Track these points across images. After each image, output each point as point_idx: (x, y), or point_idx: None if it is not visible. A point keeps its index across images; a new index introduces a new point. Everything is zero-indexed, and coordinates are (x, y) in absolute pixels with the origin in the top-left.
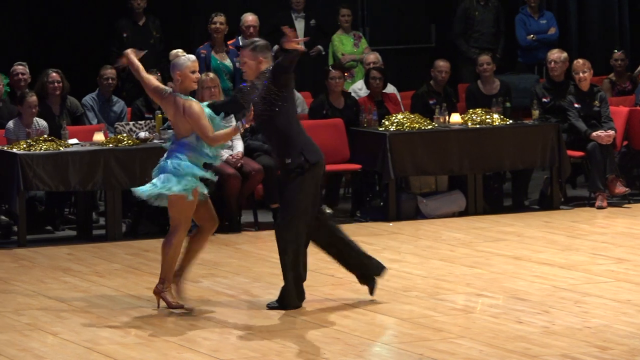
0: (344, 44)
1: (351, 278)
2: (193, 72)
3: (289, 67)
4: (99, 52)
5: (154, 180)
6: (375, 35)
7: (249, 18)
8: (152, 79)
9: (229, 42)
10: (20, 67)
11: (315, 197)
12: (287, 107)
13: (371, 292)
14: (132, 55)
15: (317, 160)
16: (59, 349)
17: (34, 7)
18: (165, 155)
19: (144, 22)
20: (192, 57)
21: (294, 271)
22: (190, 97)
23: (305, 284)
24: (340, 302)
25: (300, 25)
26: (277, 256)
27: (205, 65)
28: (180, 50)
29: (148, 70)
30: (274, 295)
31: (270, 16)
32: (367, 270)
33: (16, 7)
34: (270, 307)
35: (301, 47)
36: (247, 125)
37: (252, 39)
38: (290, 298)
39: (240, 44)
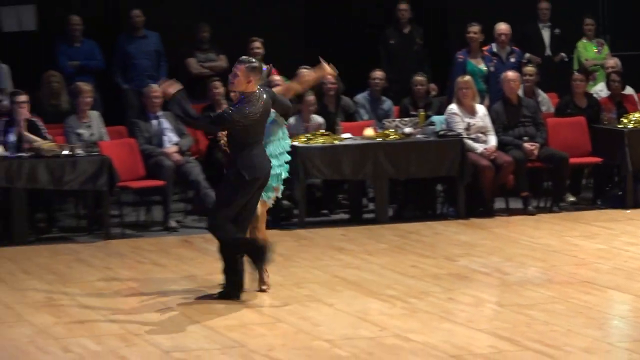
0: (587, 50)
1: (592, 259)
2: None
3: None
4: (369, 57)
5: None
6: (616, 41)
7: (502, 27)
8: (292, 87)
9: (483, 48)
10: (304, 70)
11: (247, 205)
12: (239, 131)
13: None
14: (320, 74)
15: (253, 177)
16: (333, 318)
17: (310, 16)
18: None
19: (408, 30)
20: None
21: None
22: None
23: (550, 263)
24: (582, 280)
25: (546, 34)
26: (527, 238)
27: (462, 68)
28: None
29: (413, 73)
30: (523, 273)
31: (521, 25)
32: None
33: (294, 20)
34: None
35: None
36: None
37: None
38: (233, 292)
39: (494, 50)
